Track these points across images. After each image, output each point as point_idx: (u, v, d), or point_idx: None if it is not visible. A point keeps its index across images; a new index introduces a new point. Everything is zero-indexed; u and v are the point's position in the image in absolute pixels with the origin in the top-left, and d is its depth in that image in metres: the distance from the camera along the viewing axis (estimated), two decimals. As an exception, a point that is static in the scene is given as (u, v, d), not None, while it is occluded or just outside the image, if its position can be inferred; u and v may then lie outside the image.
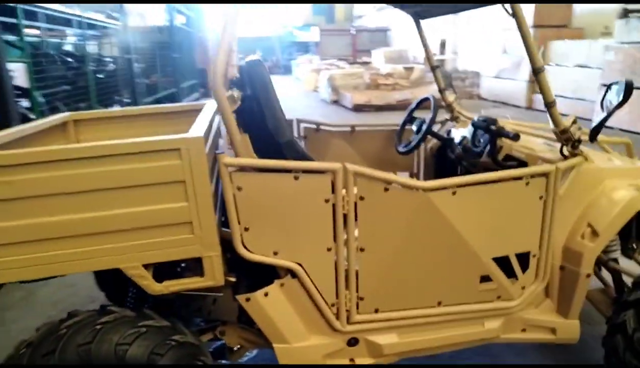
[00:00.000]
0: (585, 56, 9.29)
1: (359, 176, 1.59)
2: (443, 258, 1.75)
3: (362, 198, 1.61)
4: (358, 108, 10.84)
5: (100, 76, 6.42)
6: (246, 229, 1.57)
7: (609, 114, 1.82)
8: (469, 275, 1.80)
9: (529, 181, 1.73)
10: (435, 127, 2.93)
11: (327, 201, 1.59)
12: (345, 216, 1.62)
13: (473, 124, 2.35)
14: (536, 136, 2.34)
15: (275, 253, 1.62)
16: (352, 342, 1.82)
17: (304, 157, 1.85)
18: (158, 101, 8.53)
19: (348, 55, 19.93)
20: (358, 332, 1.81)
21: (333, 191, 1.58)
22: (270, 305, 1.67)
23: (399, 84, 11.84)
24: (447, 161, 2.71)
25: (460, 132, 2.60)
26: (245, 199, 1.54)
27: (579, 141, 1.85)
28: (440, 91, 2.78)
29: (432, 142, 2.92)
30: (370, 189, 1.61)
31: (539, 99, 10.67)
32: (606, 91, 1.86)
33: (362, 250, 1.68)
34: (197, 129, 1.48)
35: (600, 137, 2.43)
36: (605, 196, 1.87)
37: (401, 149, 2.61)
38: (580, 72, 9.39)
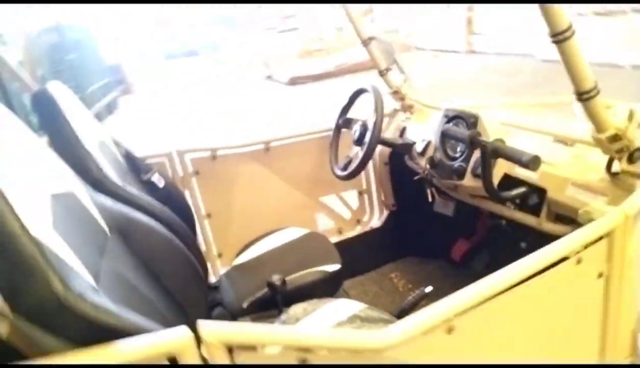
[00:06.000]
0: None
1: None
2: None
3: None
4: (293, 81, 9.95)
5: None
6: None
7: None
8: None
9: (582, 257, 1.02)
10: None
11: None
12: None
13: (443, 133, 1.67)
14: (532, 131, 1.57)
15: None
16: None
17: None
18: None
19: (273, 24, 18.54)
20: None
21: None
22: None
23: (332, 47, 11.03)
24: (407, 171, 1.99)
25: (420, 132, 1.88)
26: None
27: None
28: (381, 73, 1.99)
29: (381, 146, 2.14)
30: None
31: (477, 40, 10.11)
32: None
33: None
34: None
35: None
36: None
37: (339, 172, 1.86)
38: None
